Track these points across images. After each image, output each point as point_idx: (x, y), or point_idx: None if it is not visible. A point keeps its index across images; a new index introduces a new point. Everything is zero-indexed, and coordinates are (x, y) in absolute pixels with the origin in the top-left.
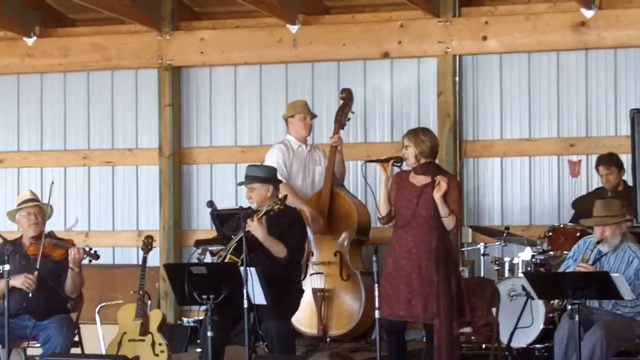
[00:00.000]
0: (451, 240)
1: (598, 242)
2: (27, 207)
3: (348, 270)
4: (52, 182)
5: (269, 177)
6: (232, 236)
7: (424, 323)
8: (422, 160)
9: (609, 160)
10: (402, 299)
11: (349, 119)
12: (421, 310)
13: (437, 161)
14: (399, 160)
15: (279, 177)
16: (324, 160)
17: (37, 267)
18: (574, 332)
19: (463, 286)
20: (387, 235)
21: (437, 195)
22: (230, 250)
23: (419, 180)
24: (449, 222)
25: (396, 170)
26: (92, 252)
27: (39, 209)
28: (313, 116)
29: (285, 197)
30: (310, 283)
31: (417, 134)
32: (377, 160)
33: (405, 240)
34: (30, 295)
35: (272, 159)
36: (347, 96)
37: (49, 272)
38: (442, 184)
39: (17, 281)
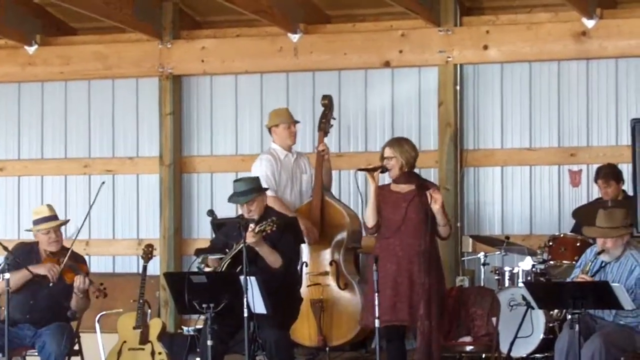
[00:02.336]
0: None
1: (599, 253)
2: (47, 228)
3: (345, 279)
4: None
5: (260, 185)
6: (227, 250)
7: (414, 330)
8: (405, 170)
9: (608, 174)
10: (388, 303)
11: (331, 126)
12: (407, 314)
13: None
14: (386, 169)
15: (269, 189)
16: (309, 168)
17: (54, 281)
18: (574, 342)
19: (445, 293)
20: None
21: (437, 207)
22: (226, 265)
23: (403, 188)
24: (445, 230)
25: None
26: (102, 288)
27: (58, 227)
28: (297, 123)
29: (278, 219)
30: (308, 294)
31: (402, 144)
32: (366, 169)
33: (392, 245)
34: (32, 302)
35: (261, 170)
36: (328, 102)
37: (58, 290)
38: (438, 197)
39: (43, 268)
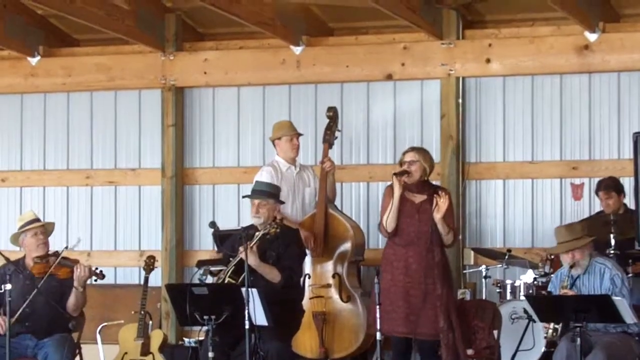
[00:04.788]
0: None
1: (571, 267)
2: (34, 228)
3: (347, 291)
4: (79, 240)
5: (278, 194)
6: (231, 258)
7: (420, 343)
8: (424, 178)
9: (609, 186)
10: (401, 315)
11: (336, 138)
12: (421, 326)
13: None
14: (406, 174)
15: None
16: (314, 181)
17: (39, 286)
18: (572, 354)
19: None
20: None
21: (438, 216)
22: (229, 272)
23: (416, 198)
24: (449, 238)
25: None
26: (97, 271)
27: (44, 229)
28: (299, 135)
29: (282, 220)
30: (311, 306)
31: (424, 150)
32: (398, 173)
33: (405, 256)
34: (28, 311)
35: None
36: (333, 114)
37: (52, 291)
38: (441, 205)
39: None
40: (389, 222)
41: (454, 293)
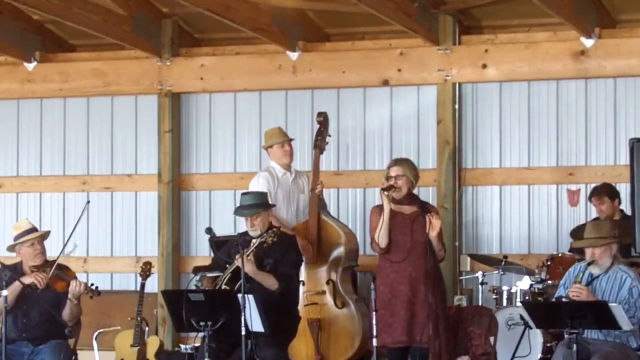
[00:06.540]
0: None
1: (589, 264)
2: (31, 239)
3: (342, 298)
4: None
5: (266, 202)
6: (227, 265)
7: (413, 350)
8: (411, 190)
9: (601, 192)
10: (403, 324)
11: (327, 143)
12: (419, 334)
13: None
14: (391, 188)
15: (275, 205)
16: (308, 187)
17: (41, 289)
18: None
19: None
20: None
21: (434, 234)
22: (225, 280)
23: (406, 209)
24: (441, 254)
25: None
26: (93, 287)
27: (41, 238)
28: (291, 140)
29: (279, 227)
30: (305, 313)
31: (409, 163)
32: (385, 189)
33: (403, 266)
34: (25, 320)
35: (258, 188)
36: (323, 120)
37: (49, 301)
38: (435, 224)
39: (28, 279)
40: (382, 238)
41: (444, 302)
